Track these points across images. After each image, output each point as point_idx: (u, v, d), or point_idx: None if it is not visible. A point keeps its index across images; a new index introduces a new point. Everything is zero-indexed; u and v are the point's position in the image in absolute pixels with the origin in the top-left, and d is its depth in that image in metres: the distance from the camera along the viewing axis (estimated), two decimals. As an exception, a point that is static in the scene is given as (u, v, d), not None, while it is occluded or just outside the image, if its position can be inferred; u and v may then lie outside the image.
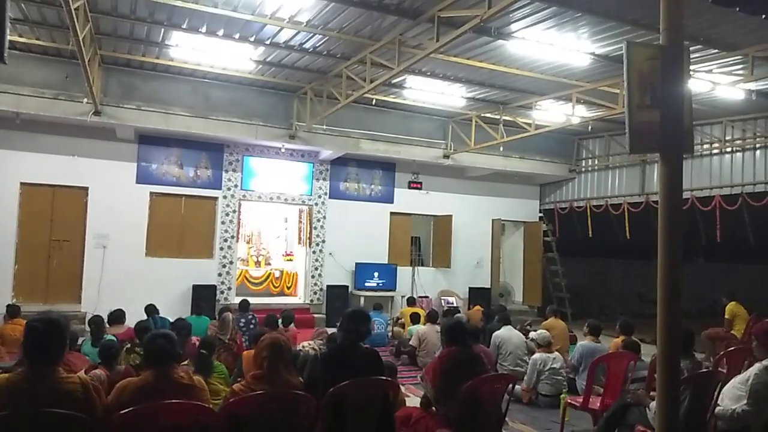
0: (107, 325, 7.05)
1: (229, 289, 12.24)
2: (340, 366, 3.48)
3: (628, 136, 3.05)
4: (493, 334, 7.61)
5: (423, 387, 4.28)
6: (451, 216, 14.20)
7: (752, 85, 9.11)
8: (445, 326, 4.52)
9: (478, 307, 11.99)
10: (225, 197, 12.30)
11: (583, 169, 14.78)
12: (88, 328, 6.85)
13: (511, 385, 4.23)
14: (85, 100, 9.74)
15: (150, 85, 10.67)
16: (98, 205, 11.19)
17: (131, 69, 10.50)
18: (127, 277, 11.03)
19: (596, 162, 14.52)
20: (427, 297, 13.34)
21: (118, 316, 7.52)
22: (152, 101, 10.63)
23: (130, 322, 7.55)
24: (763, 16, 2.40)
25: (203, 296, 11.27)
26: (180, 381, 2.96)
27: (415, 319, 9.86)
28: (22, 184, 10.76)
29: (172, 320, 7.45)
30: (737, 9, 2.33)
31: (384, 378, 3.63)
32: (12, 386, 2.44)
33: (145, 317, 7.77)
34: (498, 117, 11.84)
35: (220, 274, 12.17)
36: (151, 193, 11.67)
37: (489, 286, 14.49)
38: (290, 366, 3.29)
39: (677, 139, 3.05)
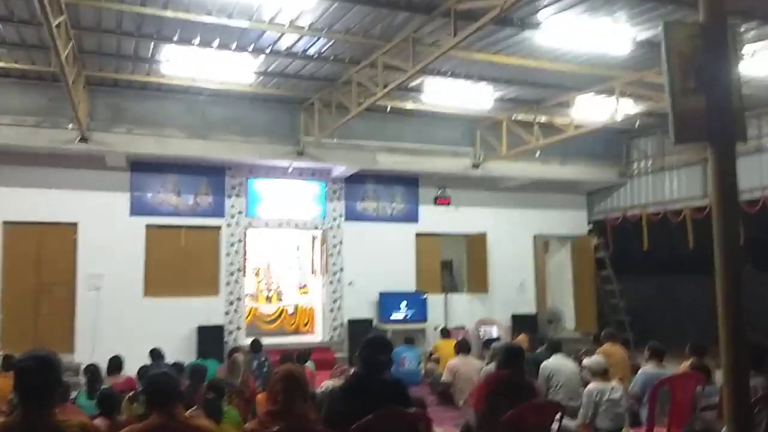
0: (105, 375, 7.23)
1: (238, 329, 12.40)
2: (359, 399, 3.56)
3: (671, 124, 3.13)
4: (542, 365, 7.56)
5: (465, 413, 4.33)
6: (485, 234, 14.26)
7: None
8: (501, 347, 4.59)
9: (523, 336, 11.92)
10: (229, 225, 12.53)
11: (636, 173, 14.72)
12: (83, 379, 7.04)
13: (561, 418, 4.25)
14: (71, 125, 10.12)
15: (141, 105, 11.02)
16: (89, 242, 11.50)
17: (119, 89, 10.88)
18: (124, 322, 11.24)
19: (650, 163, 14.45)
20: (463, 328, 13.28)
21: (115, 365, 7.70)
22: (144, 123, 10.97)
23: (130, 369, 7.72)
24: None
25: (210, 338, 11.50)
26: (187, 422, 3.08)
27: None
28: (4, 223, 11.12)
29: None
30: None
31: (412, 410, 3.69)
32: (8, 431, 2.58)
33: (149, 362, 7.95)
34: (532, 118, 11.93)
35: (227, 313, 12.33)
36: (147, 226, 11.95)
37: (535, 312, 14.45)
38: (308, 399, 3.39)
39: (726, 125, 3.11)
